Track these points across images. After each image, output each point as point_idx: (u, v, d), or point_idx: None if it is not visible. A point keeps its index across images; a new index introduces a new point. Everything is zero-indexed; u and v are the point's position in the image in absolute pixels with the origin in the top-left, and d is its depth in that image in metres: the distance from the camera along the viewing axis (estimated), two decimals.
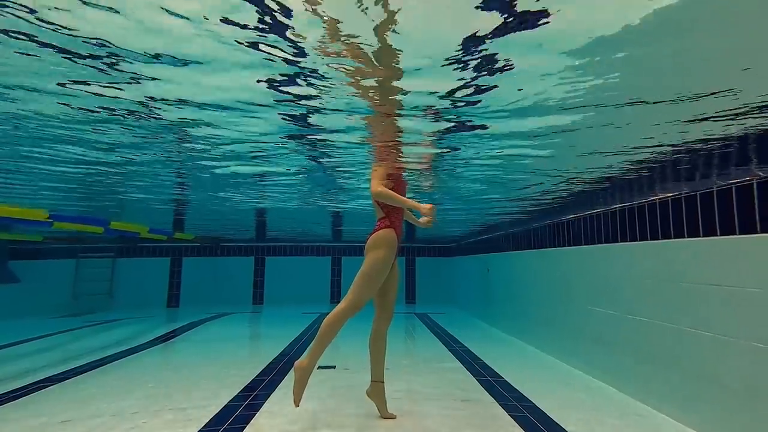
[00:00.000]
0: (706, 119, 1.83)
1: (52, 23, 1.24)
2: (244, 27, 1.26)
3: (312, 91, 1.71)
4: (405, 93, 1.69)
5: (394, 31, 1.24)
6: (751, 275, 2.37)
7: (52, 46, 1.37)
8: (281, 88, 1.69)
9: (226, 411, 3.03)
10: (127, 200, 4.49)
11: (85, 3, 1.15)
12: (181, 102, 1.85)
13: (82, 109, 1.91)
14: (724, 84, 1.53)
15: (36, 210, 4.42)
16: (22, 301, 8.75)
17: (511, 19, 1.17)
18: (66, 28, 1.27)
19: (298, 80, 1.61)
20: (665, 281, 3.04)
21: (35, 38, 1.32)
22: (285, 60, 1.45)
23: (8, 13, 1.19)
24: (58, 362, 4.57)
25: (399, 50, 1.35)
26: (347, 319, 2.76)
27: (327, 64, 1.46)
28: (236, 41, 1.34)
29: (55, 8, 1.17)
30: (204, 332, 6.78)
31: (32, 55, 1.43)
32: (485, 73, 1.49)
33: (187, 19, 1.23)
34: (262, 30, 1.27)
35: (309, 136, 2.35)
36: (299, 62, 1.46)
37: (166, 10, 1.18)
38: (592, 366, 3.96)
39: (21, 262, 9.64)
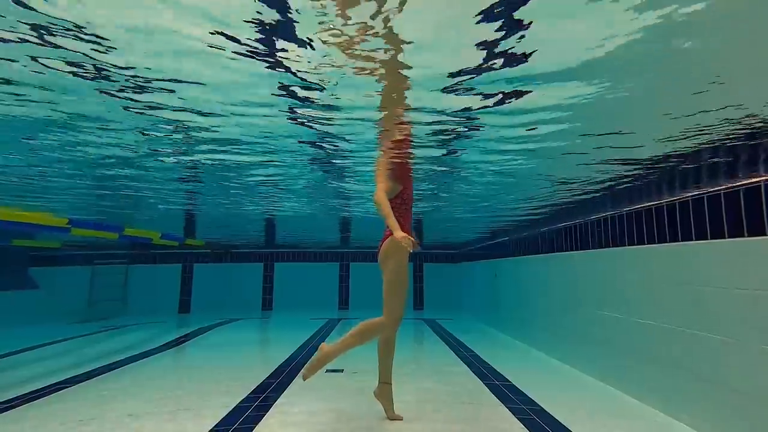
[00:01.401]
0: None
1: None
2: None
3: (321, 95, 1.78)
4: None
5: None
6: (760, 277, 2.37)
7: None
8: (291, 91, 1.76)
9: (236, 412, 3.09)
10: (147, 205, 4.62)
11: None
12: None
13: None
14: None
15: (57, 217, 4.59)
16: (40, 307, 8.95)
17: None
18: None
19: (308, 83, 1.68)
20: (675, 284, 3.03)
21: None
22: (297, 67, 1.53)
23: None
24: (75, 365, 4.68)
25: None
26: (384, 332, 2.87)
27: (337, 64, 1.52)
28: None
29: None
30: (214, 337, 6.88)
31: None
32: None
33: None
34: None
35: (320, 143, 2.42)
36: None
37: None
38: (601, 369, 3.94)
39: (39, 269, 9.89)
